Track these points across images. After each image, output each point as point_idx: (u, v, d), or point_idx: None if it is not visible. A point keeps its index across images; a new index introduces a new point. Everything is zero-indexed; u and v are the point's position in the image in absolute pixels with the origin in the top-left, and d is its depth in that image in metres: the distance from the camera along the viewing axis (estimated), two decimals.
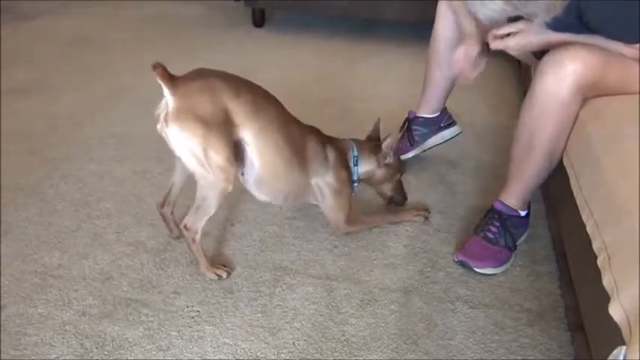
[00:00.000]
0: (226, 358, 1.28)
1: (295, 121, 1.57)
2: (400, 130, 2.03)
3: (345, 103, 2.51)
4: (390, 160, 1.68)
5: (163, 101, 1.36)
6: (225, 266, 1.52)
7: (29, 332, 1.33)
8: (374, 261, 1.60)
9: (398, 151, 1.75)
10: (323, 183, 1.58)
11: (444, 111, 2.01)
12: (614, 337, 0.93)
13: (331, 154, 1.60)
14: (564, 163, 1.43)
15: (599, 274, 1.04)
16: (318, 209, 1.80)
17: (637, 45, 1.35)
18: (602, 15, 1.34)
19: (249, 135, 1.41)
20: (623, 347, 0.87)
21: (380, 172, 1.70)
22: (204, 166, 1.35)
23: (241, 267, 1.56)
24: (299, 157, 1.52)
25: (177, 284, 1.49)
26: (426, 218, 1.75)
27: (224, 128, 1.36)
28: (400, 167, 1.75)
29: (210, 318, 1.39)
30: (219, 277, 1.49)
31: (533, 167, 1.49)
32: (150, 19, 3.64)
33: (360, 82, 2.77)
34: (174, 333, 1.34)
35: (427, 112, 1.98)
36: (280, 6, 3.45)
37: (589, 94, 1.37)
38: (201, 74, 1.41)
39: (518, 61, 2.50)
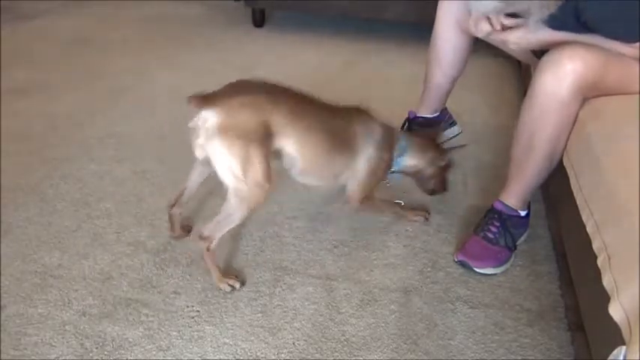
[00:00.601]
0: (226, 358, 1.28)
1: (336, 110, 1.56)
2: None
3: (345, 103, 2.50)
4: (442, 163, 1.70)
5: (201, 114, 1.35)
6: (237, 277, 1.50)
7: (29, 332, 1.33)
8: (374, 261, 1.60)
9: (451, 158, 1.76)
10: (364, 159, 1.57)
11: (444, 111, 2.01)
12: (614, 337, 0.93)
13: (377, 134, 1.59)
14: (564, 163, 1.42)
15: (599, 274, 1.04)
16: (318, 209, 1.81)
17: (636, 44, 1.35)
18: (600, 14, 1.34)
19: (290, 141, 1.43)
20: (623, 347, 0.87)
21: (429, 171, 1.70)
22: (241, 181, 1.35)
23: (241, 267, 1.56)
24: (342, 144, 1.53)
25: (177, 284, 1.49)
26: (426, 219, 1.75)
27: (264, 143, 1.37)
28: (449, 166, 1.76)
29: (210, 318, 1.39)
30: (233, 288, 1.47)
31: (533, 167, 1.49)
32: (150, 19, 3.64)
33: (360, 82, 2.77)
34: (174, 333, 1.34)
35: (427, 112, 1.98)
36: (280, 6, 3.45)
37: (589, 93, 1.37)
38: (240, 89, 1.43)
39: (518, 61, 2.50)
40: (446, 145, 1.74)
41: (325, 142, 1.50)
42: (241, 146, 1.33)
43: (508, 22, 1.43)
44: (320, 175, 1.58)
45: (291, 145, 1.44)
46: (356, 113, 1.59)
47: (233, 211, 1.39)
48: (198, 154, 1.40)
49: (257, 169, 1.35)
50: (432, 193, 1.78)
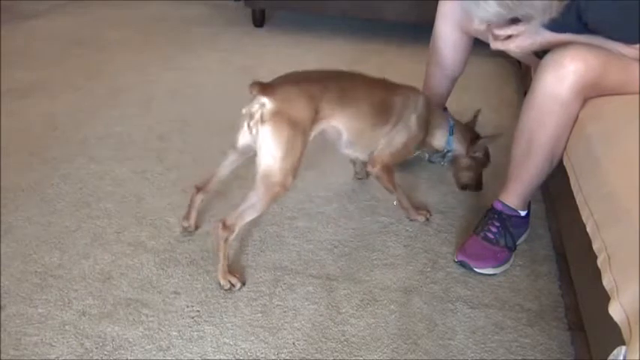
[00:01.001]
0: (226, 358, 1.28)
1: (381, 85, 1.67)
2: None
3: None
4: (478, 154, 1.76)
5: (257, 100, 1.42)
6: (239, 278, 1.49)
7: (29, 332, 1.33)
8: (374, 261, 1.60)
9: (487, 150, 1.80)
10: (403, 126, 1.64)
11: (444, 111, 2.01)
12: (614, 337, 0.93)
13: (421, 106, 1.67)
14: (564, 163, 1.43)
15: (599, 274, 1.03)
16: (318, 209, 1.81)
17: (637, 45, 1.35)
18: (601, 16, 1.34)
19: (339, 121, 1.54)
20: (623, 347, 0.87)
21: (465, 161, 1.77)
22: (276, 165, 1.41)
23: (242, 267, 1.56)
24: (386, 115, 1.62)
25: (177, 284, 1.49)
26: (427, 219, 1.75)
27: (308, 131, 1.46)
28: (484, 162, 1.81)
29: (210, 318, 1.39)
30: (232, 286, 1.47)
31: (533, 167, 1.49)
32: (150, 19, 3.64)
33: None
34: (174, 333, 1.34)
35: None
36: (280, 6, 3.45)
37: (589, 94, 1.37)
38: (295, 78, 1.51)
39: (519, 61, 2.50)
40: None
41: (371, 118, 1.60)
42: (290, 133, 1.41)
43: (510, 31, 1.43)
44: (364, 146, 1.65)
45: (339, 124, 1.55)
46: (402, 86, 1.69)
47: (257, 200, 1.42)
48: (242, 139, 1.48)
49: (295, 157, 1.42)
50: (464, 187, 1.82)
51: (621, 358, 0.87)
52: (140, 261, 1.56)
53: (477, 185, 1.83)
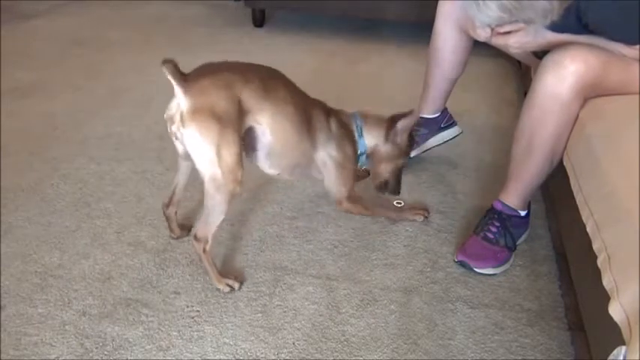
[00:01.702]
0: (226, 358, 1.28)
1: (302, 94, 1.57)
2: None
3: (345, 103, 2.48)
4: (400, 140, 1.65)
5: (174, 102, 1.35)
6: (236, 277, 1.49)
7: (29, 332, 1.33)
8: (374, 261, 1.60)
9: (413, 135, 1.70)
10: (327, 155, 1.58)
11: (444, 111, 2.01)
12: (614, 337, 0.93)
13: (335, 126, 1.60)
14: (564, 163, 1.43)
15: (599, 274, 1.03)
16: (318, 209, 1.81)
17: (637, 46, 1.35)
18: (602, 16, 1.34)
19: (262, 118, 1.42)
20: (623, 347, 0.87)
21: (384, 149, 1.66)
22: (215, 166, 1.33)
23: (241, 267, 1.56)
24: (307, 128, 1.53)
25: (177, 284, 1.49)
26: (426, 217, 1.75)
27: (236, 123, 1.35)
28: (407, 152, 1.72)
29: (210, 318, 1.39)
30: (232, 288, 1.46)
31: (533, 167, 1.49)
32: (150, 19, 3.64)
33: (360, 82, 2.77)
34: (175, 333, 1.34)
35: (427, 112, 1.98)
36: (280, 6, 3.45)
37: (590, 94, 1.36)
38: (209, 70, 1.39)
39: (519, 62, 2.50)
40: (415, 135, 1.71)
41: (296, 118, 1.49)
42: (215, 128, 1.31)
43: (508, 27, 1.43)
44: (285, 158, 1.53)
45: (264, 119, 1.42)
46: (313, 103, 1.60)
47: (213, 204, 1.37)
48: (178, 147, 1.42)
49: (232, 151, 1.33)
50: (382, 188, 1.72)
51: (621, 358, 0.87)
52: (140, 261, 1.56)
53: (395, 184, 1.71)
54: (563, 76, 1.33)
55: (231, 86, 1.36)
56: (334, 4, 3.18)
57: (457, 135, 2.06)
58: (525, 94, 1.47)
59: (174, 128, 1.36)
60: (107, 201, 1.81)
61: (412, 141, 1.73)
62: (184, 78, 1.32)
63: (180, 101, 1.33)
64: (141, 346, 1.30)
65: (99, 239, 1.64)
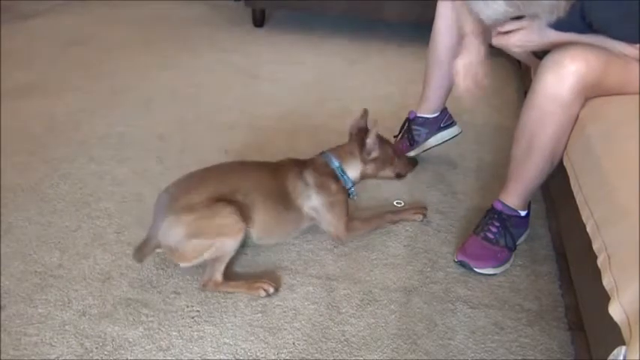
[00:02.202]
0: (226, 358, 1.28)
1: (266, 170, 1.60)
2: (400, 131, 2.03)
3: (345, 103, 2.51)
4: (375, 154, 1.65)
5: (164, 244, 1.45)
6: (268, 281, 1.48)
7: (29, 332, 1.33)
8: (374, 261, 1.60)
9: (382, 141, 1.68)
10: (315, 205, 1.59)
11: (444, 111, 2.01)
12: (614, 337, 0.93)
13: (310, 178, 1.59)
14: (564, 163, 1.42)
15: (599, 274, 1.04)
16: None
17: (638, 45, 1.35)
18: (606, 15, 1.33)
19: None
20: (623, 347, 0.87)
21: (370, 167, 1.67)
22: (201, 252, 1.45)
23: (241, 267, 1.56)
24: (283, 201, 1.56)
25: (177, 284, 1.49)
26: (425, 216, 1.75)
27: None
28: (393, 152, 1.70)
29: (210, 318, 1.39)
30: (267, 292, 1.45)
31: (533, 167, 1.49)
32: (150, 19, 3.64)
33: (359, 82, 2.77)
34: (175, 333, 1.34)
35: (427, 112, 1.98)
36: (280, 6, 3.45)
37: (590, 94, 1.36)
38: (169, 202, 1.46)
39: (519, 62, 2.50)
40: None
41: (272, 206, 1.54)
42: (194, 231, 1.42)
43: (510, 26, 1.43)
44: (277, 235, 1.61)
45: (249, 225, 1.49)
46: (283, 168, 1.61)
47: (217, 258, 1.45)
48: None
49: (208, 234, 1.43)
50: (399, 176, 1.74)
51: (621, 358, 0.87)
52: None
53: (407, 165, 1.74)
54: (564, 76, 1.33)
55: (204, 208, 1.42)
56: (334, 4, 3.18)
57: (457, 135, 2.06)
58: (525, 94, 1.47)
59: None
60: (107, 201, 1.81)
61: (389, 146, 1.72)
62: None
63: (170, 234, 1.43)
64: (141, 346, 1.30)
65: (99, 239, 1.64)
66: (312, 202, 1.59)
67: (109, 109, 2.42)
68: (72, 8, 3.77)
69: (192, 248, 1.41)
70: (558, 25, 1.39)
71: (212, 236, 1.41)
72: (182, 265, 1.46)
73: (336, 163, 1.64)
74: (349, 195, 1.66)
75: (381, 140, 1.68)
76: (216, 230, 1.41)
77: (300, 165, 1.63)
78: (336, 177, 1.63)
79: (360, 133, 1.66)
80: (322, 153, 1.68)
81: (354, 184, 1.66)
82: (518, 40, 1.45)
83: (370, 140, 1.62)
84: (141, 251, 1.45)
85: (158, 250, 1.46)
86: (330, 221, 1.61)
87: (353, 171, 1.66)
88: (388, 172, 1.71)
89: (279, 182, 1.57)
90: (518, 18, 1.39)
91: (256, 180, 1.55)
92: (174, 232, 1.41)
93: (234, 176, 1.55)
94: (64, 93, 2.55)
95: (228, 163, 1.63)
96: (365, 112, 1.70)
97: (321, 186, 1.59)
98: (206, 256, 1.43)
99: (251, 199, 1.50)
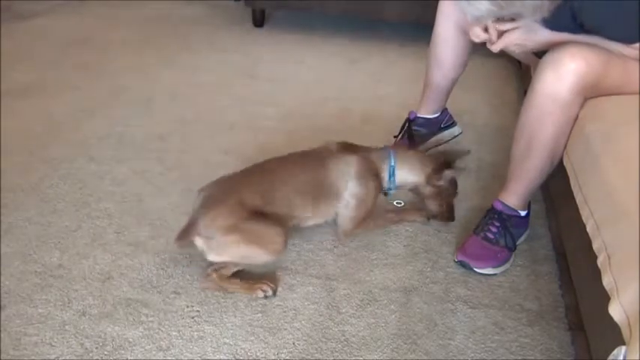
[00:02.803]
0: (226, 358, 1.28)
1: (305, 161, 1.61)
2: (400, 131, 2.03)
3: (345, 103, 2.51)
4: (441, 183, 1.65)
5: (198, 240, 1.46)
6: (267, 283, 1.47)
7: (29, 332, 1.33)
8: (374, 261, 1.60)
9: (453, 183, 1.68)
10: (349, 195, 1.59)
11: (444, 111, 2.01)
12: (614, 337, 0.93)
13: (355, 164, 1.59)
14: (564, 163, 1.43)
15: (599, 274, 1.04)
16: None
17: (637, 45, 1.35)
18: (597, 16, 1.34)
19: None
20: (623, 347, 0.87)
21: (427, 189, 1.67)
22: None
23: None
24: (323, 190, 1.58)
25: (177, 284, 1.49)
26: (428, 218, 1.75)
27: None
28: (451, 192, 1.70)
29: (210, 318, 1.39)
30: (265, 293, 1.45)
31: (533, 167, 1.49)
32: (150, 19, 3.64)
33: (360, 82, 2.77)
34: (174, 333, 1.34)
35: (427, 112, 1.98)
36: (280, 6, 3.45)
37: (590, 93, 1.36)
38: (213, 199, 1.48)
39: (519, 61, 2.50)
40: (448, 158, 1.67)
41: (308, 196, 1.56)
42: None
43: (504, 27, 1.43)
44: (317, 218, 1.62)
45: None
46: (327, 154, 1.61)
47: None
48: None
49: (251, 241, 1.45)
50: (433, 217, 1.73)
51: (621, 358, 0.87)
52: (140, 261, 1.56)
53: (448, 215, 1.71)
54: (563, 74, 1.33)
55: (237, 209, 1.44)
56: (334, 3, 3.18)
57: (457, 135, 2.06)
58: (525, 93, 1.47)
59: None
60: (107, 201, 1.81)
61: (455, 185, 1.70)
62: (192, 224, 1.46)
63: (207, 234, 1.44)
64: (141, 346, 1.30)
65: (99, 239, 1.64)
66: (351, 189, 1.59)
67: (109, 109, 2.42)
68: (72, 8, 3.77)
69: (231, 247, 1.42)
70: (551, 26, 1.39)
71: (254, 247, 1.43)
72: (210, 258, 1.45)
73: (392, 162, 1.64)
74: (385, 193, 1.67)
75: (453, 182, 1.68)
76: (261, 244, 1.43)
77: (347, 149, 1.63)
78: (377, 174, 1.62)
79: (441, 158, 1.66)
80: (383, 147, 1.68)
81: (396, 188, 1.67)
82: (517, 38, 1.45)
83: (449, 173, 1.63)
84: (182, 237, 1.44)
85: (196, 239, 1.44)
86: (350, 217, 1.61)
87: (404, 176, 1.65)
88: (433, 205, 1.70)
89: (319, 171, 1.58)
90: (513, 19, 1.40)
91: (297, 179, 1.56)
92: (217, 223, 1.41)
93: (276, 177, 1.55)
94: (64, 93, 2.55)
95: (271, 161, 1.60)
96: (467, 153, 1.74)
97: (360, 177, 1.59)
98: (238, 259, 1.44)
99: (290, 199, 1.53)
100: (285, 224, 1.49)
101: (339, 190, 1.59)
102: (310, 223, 1.62)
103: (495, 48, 1.49)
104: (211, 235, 1.42)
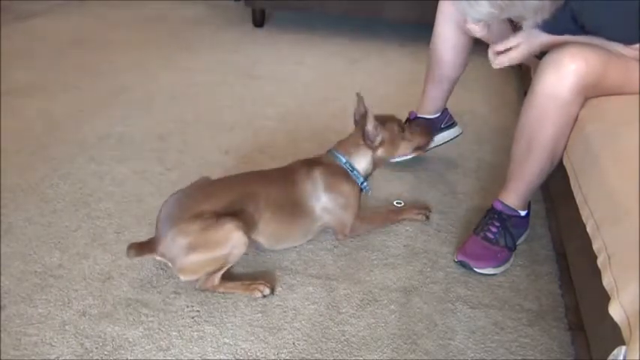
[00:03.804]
0: (226, 358, 1.28)
1: (276, 178, 1.57)
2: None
3: (345, 103, 2.50)
4: (380, 137, 1.61)
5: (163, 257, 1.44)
6: (266, 282, 1.47)
7: (29, 332, 1.33)
8: (374, 261, 1.60)
9: (384, 121, 1.63)
10: (326, 206, 1.58)
11: (444, 112, 2.01)
12: (614, 337, 0.93)
13: (319, 178, 1.57)
14: (564, 163, 1.43)
15: (599, 274, 1.04)
16: None
17: (637, 45, 1.35)
18: (598, 17, 1.33)
19: (255, 234, 1.49)
20: (623, 347, 0.87)
21: (381, 153, 1.63)
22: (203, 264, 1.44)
23: (241, 267, 1.56)
24: (295, 208, 1.55)
25: (178, 284, 1.49)
26: (427, 217, 1.75)
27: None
28: (400, 128, 1.66)
29: (210, 318, 1.39)
30: (262, 293, 1.45)
31: (533, 167, 1.49)
32: (150, 19, 3.64)
33: (360, 82, 2.77)
34: (174, 333, 1.34)
35: (428, 112, 1.98)
36: (280, 6, 3.45)
37: (590, 93, 1.36)
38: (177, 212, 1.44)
39: None
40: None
41: (283, 216, 1.53)
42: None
43: (509, 44, 1.44)
44: (290, 241, 1.61)
45: (256, 233, 1.49)
46: (292, 172, 1.59)
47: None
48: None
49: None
50: (419, 149, 1.73)
51: (621, 358, 0.87)
52: (140, 261, 1.55)
53: (425, 140, 1.72)
54: (563, 75, 1.33)
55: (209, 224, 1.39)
56: (334, 3, 3.18)
57: (457, 135, 2.06)
58: (525, 94, 1.47)
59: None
60: (107, 201, 1.81)
61: (398, 124, 1.66)
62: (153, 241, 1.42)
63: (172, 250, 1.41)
64: (141, 346, 1.30)
65: (99, 239, 1.64)
66: (323, 203, 1.57)
67: (109, 109, 2.42)
68: (72, 8, 3.77)
69: (193, 262, 1.39)
70: (551, 28, 1.39)
71: (213, 251, 1.39)
72: (183, 278, 1.43)
73: (343, 159, 1.62)
74: (362, 190, 1.64)
75: (383, 120, 1.63)
76: (218, 245, 1.39)
77: (309, 165, 1.60)
78: (346, 175, 1.61)
79: (362, 121, 1.62)
80: (329, 151, 1.66)
81: (366, 177, 1.64)
82: (519, 53, 1.45)
83: (370, 125, 1.57)
84: (138, 248, 1.41)
85: (158, 258, 1.43)
86: (340, 220, 1.61)
87: (363, 163, 1.62)
88: (403, 149, 1.67)
89: (289, 188, 1.55)
90: (515, 26, 1.39)
91: (266, 191, 1.51)
92: (178, 243, 1.38)
93: (244, 188, 1.50)
94: (64, 93, 2.55)
95: (238, 175, 1.58)
96: (359, 98, 1.65)
97: (332, 187, 1.58)
98: (209, 268, 1.41)
99: (261, 211, 1.48)
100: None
101: (313, 207, 1.57)
102: (283, 245, 1.59)
103: (498, 65, 1.48)
104: (172, 257, 1.39)
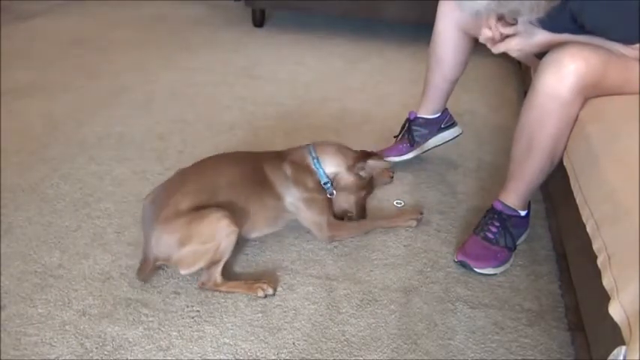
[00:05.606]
0: (226, 358, 1.28)
1: (247, 162, 1.59)
2: (400, 131, 2.03)
3: (344, 103, 2.51)
4: (363, 174, 1.66)
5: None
6: (267, 282, 1.47)
7: (29, 332, 1.33)
8: (374, 261, 1.60)
9: (375, 173, 1.72)
10: (293, 199, 1.59)
11: (444, 112, 2.01)
12: (614, 337, 0.93)
13: (289, 169, 1.60)
14: (564, 163, 1.43)
15: (599, 274, 1.04)
16: None
17: (637, 45, 1.35)
18: (597, 16, 1.33)
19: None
20: (623, 347, 0.87)
21: (346, 178, 1.66)
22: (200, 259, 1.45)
23: (241, 267, 1.56)
24: (266, 192, 1.56)
25: (177, 284, 1.49)
26: (418, 221, 1.73)
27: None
28: (369, 188, 1.73)
29: (210, 318, 1.39)
30: (265, 292, 1.45)
31: (533, 167, 1.49)
32: (150, 19, 3.64)
33: (360, 82, 2.77)
34: (174, 333, 1.34)
35: (428, 112, 1.98)
36: (280, 6, 3.45)
37: (590, 93, 1.36)
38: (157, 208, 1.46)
39: (519, 62, 2.50)
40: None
41: (256, 199, 1.55)
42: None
43: (506, 30, 1.44)
44: (265, 227, 1.61)
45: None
46: (264, 159, 1.61)
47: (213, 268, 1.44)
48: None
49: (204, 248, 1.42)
50: (342, 216, 1.70)
51: (621, 358, 0.87)
52: (140, 261, 1.55)
53: (358, 211, 1.71)
54: (564, 75, 1.33)
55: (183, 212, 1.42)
56: (334, 4, 3.18)
57: (457, 135, 2.05)
58: (525, 94, 1.47)
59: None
60: (107, 201, 1.81)
61: (372, 185, 1.74)
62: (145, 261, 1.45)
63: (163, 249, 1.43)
64: (141, 346, 1.30)
65: (99, 239, 1.64)
66: (291, 195, 1.59)
67: (109, 109, 2.42)
68: (72, 8, 3.77)
69: (187, 255, 1.40)
70: (550, 27, 1.39)
71: (205, 241, 1.40)
72: (183, 272, 1.44)
73: (313, 154, 1.64)
74: (325, 190, 1.65)
75: (372, 178, 1.70)
76: (209, 235, 1.40)
77: (281, 156, 1.63)
78: (311, 171, 1.63)
79: (365, 152, 1.68)
80: (307, 145, 1.68)
81: (330, 180, 1.65)
82: (517, 44, 1.45)
83: (373, 162, 1.64)
84: (143, 271, 1.44)
85: (158, 263, 1.44)
86: (309, 218, 1.61)
87: (330, 166, 1.65)
88: (351, 198, 1.70)
89: (260, 173, 1.57)
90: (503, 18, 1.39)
91: (236, 175, 1.54)
92: (165, 241, 1.40)
93: (213, 174, 1.52)
94: (64, 93, 2.55)
95: (205, 160, 1.60)
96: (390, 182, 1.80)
97: (297, 180, 1.60)
98: (204, 260, 1.42)
99: (232, 196, 1.49)
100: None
101: (282, 196, 1.58)
102: (257, 232, 1.61)
103: (496, 50, 1.49)
104: (167, 256, 1.41)
